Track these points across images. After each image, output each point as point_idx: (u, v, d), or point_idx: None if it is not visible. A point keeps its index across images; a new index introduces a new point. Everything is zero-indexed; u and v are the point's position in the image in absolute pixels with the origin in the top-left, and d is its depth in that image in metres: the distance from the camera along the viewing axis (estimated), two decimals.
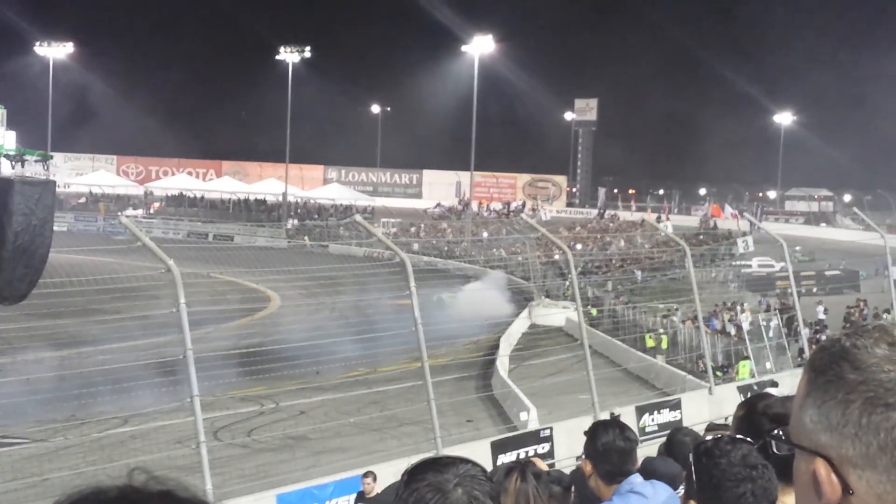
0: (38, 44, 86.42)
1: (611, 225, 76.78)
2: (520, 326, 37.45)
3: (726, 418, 13.97)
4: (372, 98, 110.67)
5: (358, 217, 17.11)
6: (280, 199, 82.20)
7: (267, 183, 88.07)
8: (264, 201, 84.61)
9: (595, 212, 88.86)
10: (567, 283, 35.33)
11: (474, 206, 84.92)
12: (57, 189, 17.42)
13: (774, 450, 2.88)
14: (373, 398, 24.59)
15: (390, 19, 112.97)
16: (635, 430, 4.81)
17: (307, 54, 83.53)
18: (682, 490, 3.77)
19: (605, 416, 15.80)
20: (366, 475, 13.15)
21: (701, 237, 59.94)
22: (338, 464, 18.11)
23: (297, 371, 24.28)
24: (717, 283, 47.94)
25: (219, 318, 32.58)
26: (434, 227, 77.06)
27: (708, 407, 21.12)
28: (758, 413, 3.48)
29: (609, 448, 4.48)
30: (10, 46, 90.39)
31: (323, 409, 24.64)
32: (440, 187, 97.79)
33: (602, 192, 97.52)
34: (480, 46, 77.59)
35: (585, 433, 4.67)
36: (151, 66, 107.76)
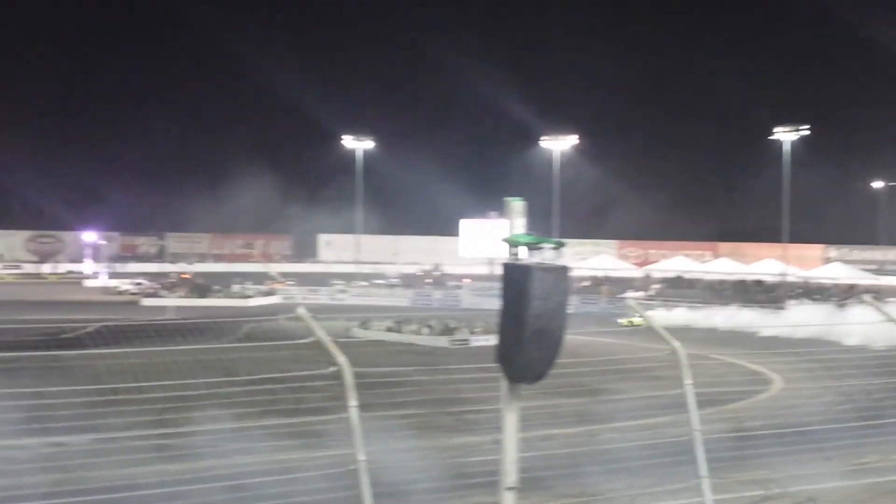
0: (543, 138, 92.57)
1: None
2: None
3: None
4: (872, 173, 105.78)
5: (866, 296, 16.54)
6: (777, 278, 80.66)
7: (763, 263, 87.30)
8: (761, 282, 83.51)
9: None
10: None
11: None
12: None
13: None
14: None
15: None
16: None
17: (805, 132, 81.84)
18: None
19: None
20: None
21: None
22: None
23: (804, 456, 23.69)
24: None
25: (720, 400, 32.54)
26: None
27: None
28: None
29: None
30: (520, 142, 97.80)
31: None
32: None
33: None
34: None
35: None
36: (648, 155, 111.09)
